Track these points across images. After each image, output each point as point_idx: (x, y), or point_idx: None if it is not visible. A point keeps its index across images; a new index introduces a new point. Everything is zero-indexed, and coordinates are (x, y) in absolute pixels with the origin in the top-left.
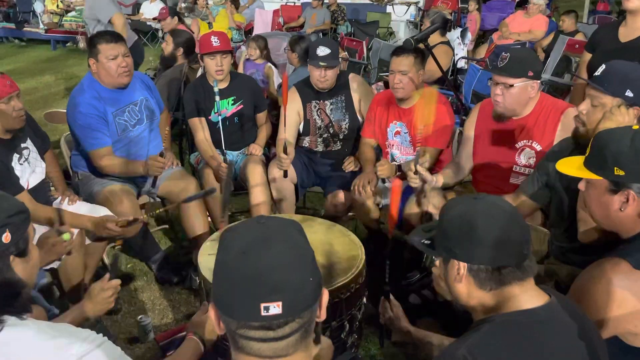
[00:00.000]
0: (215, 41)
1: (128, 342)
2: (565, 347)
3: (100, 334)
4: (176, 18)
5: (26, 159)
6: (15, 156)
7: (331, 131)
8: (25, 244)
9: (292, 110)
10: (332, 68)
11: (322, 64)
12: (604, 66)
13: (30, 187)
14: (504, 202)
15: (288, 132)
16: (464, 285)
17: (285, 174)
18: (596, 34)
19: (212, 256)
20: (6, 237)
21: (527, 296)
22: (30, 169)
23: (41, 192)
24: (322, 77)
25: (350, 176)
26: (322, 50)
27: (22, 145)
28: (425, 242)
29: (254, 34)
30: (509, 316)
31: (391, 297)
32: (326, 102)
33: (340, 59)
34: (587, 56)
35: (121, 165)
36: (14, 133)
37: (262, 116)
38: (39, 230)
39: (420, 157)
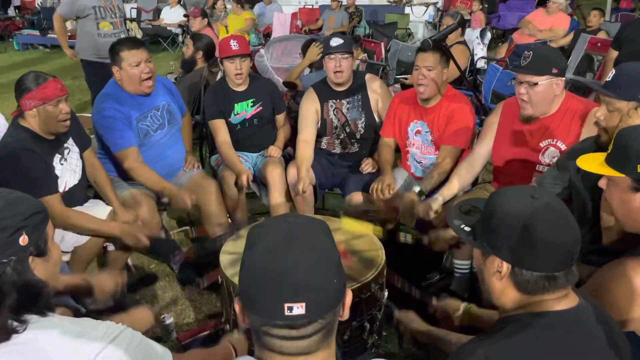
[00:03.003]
0: (234, 45)
1: None
2: (594, 350)
3: (120, 324)
4: (206, 19)
5: (65, 159)
6: (57, 157)
7: (347, 130)
8: (44, 244)
9: (310, 109)
10: (346, 58)
11: (336, 52)
12: (614, 71)
13: (67, 188)
14: (560, 204)
15: (307, 131)
16: (501, 283)
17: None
18: (622, 32)
19: (232, 255)
20: (23, 240)
21: (560, 298)
22: (70, 169)
23: (77, 194)
24: (338, 67)
25: (369, 178)
26: (335, 41)
27: (64, 145)
28: (465, 228)
29: (272, 37)
30: (537, 317)
31: (396, 312)
32: (343, 101)
33: (358, 60)
34: (614, 54)
35: (147, 177)
36: (58, 135)
37: (281, 118)
38: (66, 235)
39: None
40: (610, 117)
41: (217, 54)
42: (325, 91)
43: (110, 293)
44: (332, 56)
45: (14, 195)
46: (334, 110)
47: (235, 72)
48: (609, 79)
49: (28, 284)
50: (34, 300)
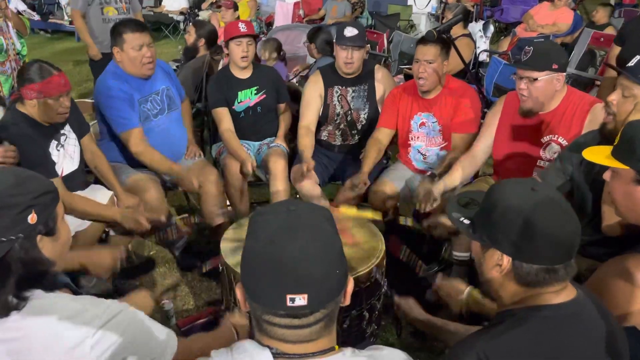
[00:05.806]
0: (242, 27)
1: None
2: (591, 341)
3: (122, 304)
4: (237, 12)
5: (62, 145)
6: (54, 143)
7: (348, 119)
8: (53, 223)
9: (314, 94)
10: (358, 50)
11: (349, 43)
12: (638, 57)
13: (64, 174)
14: (560, 196)
15: (309, 116)
16: (501, 277)
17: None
18: (625, 27)
19: (233, 243)
20: (32, 218)
21: (558, 291)
22: (67, 155)
23: (76, 180)
24: (349, 59)
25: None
26: (350, 31)
27: (61, 131)
28: (465, 221)
29: (274, 26)
30: (535, 311)
31: (396, 297)
32: (348, 88)
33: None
34: (616, 49)
35: (154, 160)
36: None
37: (282, 106)
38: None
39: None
40: (623, 102)
41: (220, 41)
42: (332, 76)
43: (109, 269)
44: (345, 46)
45: (25, 174)
46: (338, 96)
47: (242, 55)
48: (632, 64)
49: (35, 262)
50: (39, 278)
